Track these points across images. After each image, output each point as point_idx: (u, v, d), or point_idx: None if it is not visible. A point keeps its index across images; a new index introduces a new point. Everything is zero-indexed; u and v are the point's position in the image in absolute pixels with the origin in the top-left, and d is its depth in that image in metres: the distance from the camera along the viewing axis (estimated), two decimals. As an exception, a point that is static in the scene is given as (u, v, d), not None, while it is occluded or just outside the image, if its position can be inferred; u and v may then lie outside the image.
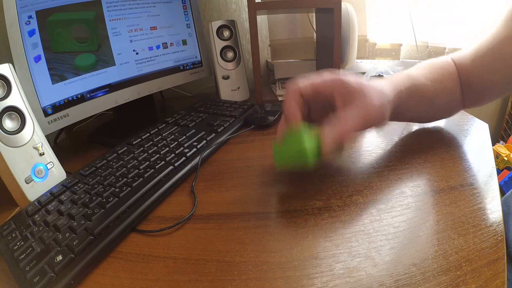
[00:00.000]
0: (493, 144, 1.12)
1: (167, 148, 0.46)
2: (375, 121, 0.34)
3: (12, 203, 0.38)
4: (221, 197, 0.37)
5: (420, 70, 0.43)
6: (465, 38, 0.93)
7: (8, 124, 0.37)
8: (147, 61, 0.62)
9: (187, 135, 0.50)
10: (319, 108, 0.37)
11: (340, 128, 0.32)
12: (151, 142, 0.49)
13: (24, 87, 0.41)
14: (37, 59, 0.46)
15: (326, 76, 0.35)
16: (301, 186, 0.37)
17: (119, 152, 0.47)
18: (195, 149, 0.46)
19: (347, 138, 0.32)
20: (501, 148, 1.09)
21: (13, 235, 0.32)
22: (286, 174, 0.40)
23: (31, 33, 0.45)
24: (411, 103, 0.40)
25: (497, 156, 1.07)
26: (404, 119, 0.46)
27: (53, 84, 0.48)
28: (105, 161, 0.44)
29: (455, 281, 0.24)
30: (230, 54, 0.69)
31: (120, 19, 0.57)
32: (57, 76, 0.48)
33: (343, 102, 0.33)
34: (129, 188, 0.37)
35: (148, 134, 0.52)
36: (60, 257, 0.28)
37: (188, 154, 0.44)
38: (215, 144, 0.48)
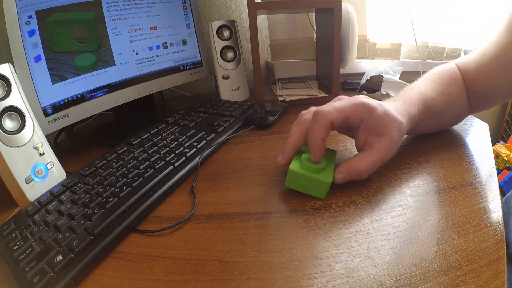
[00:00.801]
0: (493, 144, 1.12)
1: (167, 148, 0.46)
2: (388, 158, 0.35)
3: (12, 203, 0.38)
4: (221, 197, 0.37)
5: (429, 83, 0.43)
6: (465, 38, 0.93)
7: (8, 124, 0.37)
8: (147, 61, 0.62)
9: (187, 135, 0.50)
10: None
11: (356, 169, 0.34)
12: (151, 142, 0.49)
13: (24, 87, 0.41)
14: (37, 59, 0.46)
15: (354, 102, 0.35)
16: (301, 186, 0.37)
17: (119, 152, 0.47)
18: (195, 149, 0.46)
19: (363, 177, 0.34)
20: (501, 148, 1.09)
21: (13, 235, 0.32)
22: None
23: (31, 33, 0.45)
24: (421, 122, 0.41)
25: (497, 156, 1.07)
26: (410, 133, 0.46)
27: (53, 84, 0.48)
28: (105, 161, 0.44)
29: (455, 281, 0.24)
30: (230, 54, 0.69)
31: (120, 19, 0.57)
32: (57, 76, 0.48)
33: (367, 134, 0.35)
34: (129, 188, 0.37)
35: (148, 134, 0.52)
36: (60, 257, 0.28)
37: (188, 154, 0.44)
38: (215, 144, 0.48)
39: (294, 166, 0.35)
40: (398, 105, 0.37)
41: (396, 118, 0.35)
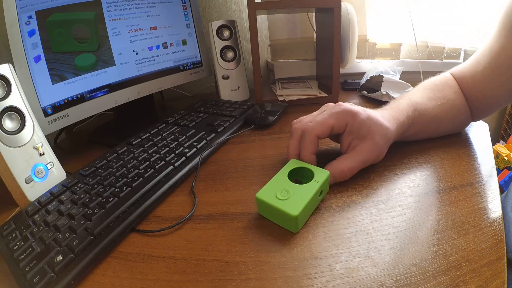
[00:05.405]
0: (493, 144, 1.12)
1: (167, 148, 0.46)
2: (371, 160, 0.37)
3: (12, 203, 0.38)
4: (221, 197, 0.37)
5: (420, 91, 0.45)
6: (465, 38, 0.93)
7: (8, 124, 0.37)
8: (147, 61, 0.62)
9: (187, 135, 0.50)
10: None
11: (339, 170, 0.35)
12: (151, 142, 0.49)
13: (24, 87, 0.41)
14: (37, 59, 0.46)
15: (336, 110, 0.36)
16: (301, 186, 0.37)
17: (119, 152, 0.47)
18: (195, 149, 0.46)
19: (346, 178, 0.36)
20: (501, 148, 1.09)
21: (13, 235, 0.32)
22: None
23: (31, 33, 0.45)
24: (414, 129, 0.41)
25: (497, 156, 1.07)
26: (409, 140, 0.45)
27: (53, 84, 0.48)
28: (105, 161, 0.44)
29: (455, 281, 0.24)
30: (230, 54, 0.69)
31: (120, 19, 0.57)
32: (57, 76, 0.48)
33: (351, 138, 0.37)
34: (129, 188, 0.37)
35: (148, 134, 0.52)
36: (60, 257, 0.28)
37: (188, 154, 0.44)
38: (215, 144, 0.48)
39: (262, 192, 0.31)
40: (384, 113, 0.39)
41: (380, 123, 0.36)
